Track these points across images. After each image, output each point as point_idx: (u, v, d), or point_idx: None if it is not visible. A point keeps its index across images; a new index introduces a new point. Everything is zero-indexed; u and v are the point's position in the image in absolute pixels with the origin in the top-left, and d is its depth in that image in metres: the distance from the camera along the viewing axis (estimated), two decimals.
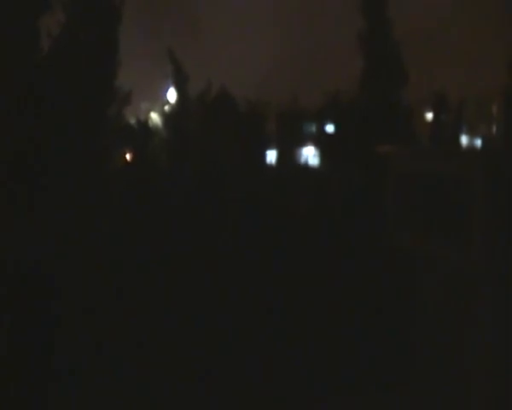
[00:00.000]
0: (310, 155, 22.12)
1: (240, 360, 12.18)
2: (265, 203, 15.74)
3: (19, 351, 11.67)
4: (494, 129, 23.40)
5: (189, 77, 21.57)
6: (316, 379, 11.99)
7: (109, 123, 16.27)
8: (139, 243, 13.60)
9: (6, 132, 12.90)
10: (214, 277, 13.30)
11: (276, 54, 27.15)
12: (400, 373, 11.63)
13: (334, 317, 12.84)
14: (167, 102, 22.72)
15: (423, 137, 20.78)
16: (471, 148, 21.82)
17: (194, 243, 14.01)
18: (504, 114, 20.58)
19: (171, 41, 22.16)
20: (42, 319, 11.98)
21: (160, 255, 13.45)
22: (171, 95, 22.35)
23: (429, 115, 21.92)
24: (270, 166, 21.38)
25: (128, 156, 19.89)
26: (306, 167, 21.18)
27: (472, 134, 23.05)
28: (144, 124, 21.53)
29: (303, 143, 22.17)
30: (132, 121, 20.87)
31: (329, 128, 21.24)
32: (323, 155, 21.05)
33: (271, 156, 21.95)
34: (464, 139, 22.57)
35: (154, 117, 22.94)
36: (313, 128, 22.07)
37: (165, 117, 22.32)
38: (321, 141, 21.20)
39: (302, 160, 22.02)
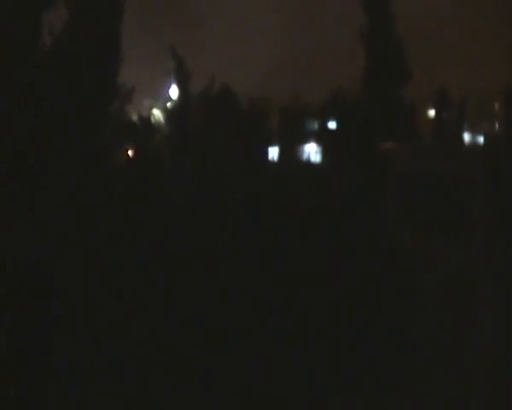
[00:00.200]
0: (312, 151, 22.12)
1: (240, 360, 12.17)
2: (265, 203, 15.73)
3: (19, 351, 11.67)
4: (496, 127, 23.39)
5: (192, 74, 21.58)
6: (316, 379, 11.97)
7: (111, 120, 16.27)
8: (139, 242, 13.60)
9: (6, 132, 12.89)
10: (214, 277, 13.30)
11: (277, 52, 27.14)
12: (400, 373, 11.60)
13: (334, 317, 12.83)
14: (169, 99, 22.73)
15: (425, 134, 20.77)
16: (472, 146, 21.77)
17: (194, 243, 14.00)
18: (506, 112, 20.56)
19: (172, 39, 22.17)
20: (42, 319, 11.98)
21: (160, 255, 13.45)
22: (174, 91, 22.36)
23: (431, 113, 21.91)
24: (271, 164, 21.38)
25: (130, 153, 19.92)
26: (308, 165, 21.17)
27: (474, 132, 23.04)
28: (146, 120, 21.56)
29: (305, 140, 22.18)
30: (134, 118, 20.90)
31: (331, 125, 21.24)
32: (325, 152, 21.05)
33: (273, 153, 21.96)
34: (466, 137, 22.57)
35: (157, 114, 22.96)
36: (315, 125, 22.07)
37: (168, 114, 22.34)
38: (322, 138, 21.20)
39: (304, 157, 22.01)
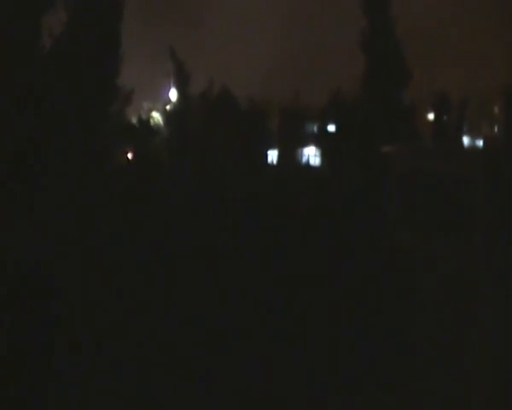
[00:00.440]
0: (311, 154, 22.11)
1: (240, 360, 12.17)
2: (265, 203, 15.73)
3: (19, 351, 11.67)
4: (495, 129, 23.39)
5: (191, 76, 21.56)
6: (316, 379, 11.97)
7: (111, 122, 16.26)
8: (139, 242, 13.60)
9: (6, 132, 12.89)
10: (214, 277, 13.30)
11: (278, 53, 27.13)
12: (400, 373, 11.60)
13: (334, 317, 12.83)
14: (169, 101, 22.71)
15: (425, 136, 20.76)
16: (472, 147, 21.79)
17: (194, 243, 14.00)
18: (505, 113, 20.56)
19: (172, 39, 22.12)
20: (42, 319, 11.98)
21: (160, 255, 13.45)
22: (173, 94, 22.34)
23: (431, 115, 21.90)
24: (270, 166, 21.36)
25: (129, 155, 19.91)
26: (307, 167, 21.16)
27: (473, 134, 23.04)
28: (146, 123, 21.54)
29: (304, 143, 22.16)
30: (134, 120, 20.89)
31: (331, 127, 21.22)
32: (325, 154, 21.04)
33: (273, 155, 21.95)
34: (466, 139, 22.56)
35: (156, 116, 22.95)
36: (315, 127, 22.07)
37: (167, 116, 22.32)
38: (322, 140, 21.18)
39: (303, 159, 22.01)
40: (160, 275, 13.08)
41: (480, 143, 22.86)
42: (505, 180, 10.55)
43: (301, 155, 22.13)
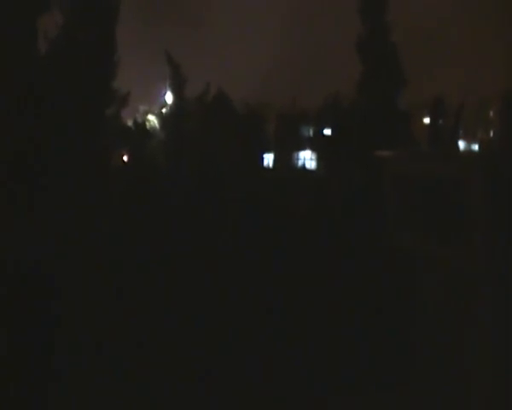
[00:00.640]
0: (307, 158, 22.17)
1: (240, 360, 12.16)
2: (264, 203, 15.75)
3: (19, 351, 11.64)
4: (491, 134, 23.49)
5: (188, 78, 21.62)
6: (316, 379, 11.97)
7: (108, 124, 16.30)
8: (139, 242, 13.60)
9: (6, 132, 12.89)
10: (214, 277, 13.30)
11: (276, 55, 27.21)
12: (400, 373, 11.61)
13: (334, 317, 12.84)
14: (165, 104, 22.76)
15: (421, 140, 20.86)
16: (469, 151, 21.88)
17: (193, 243, 14.01)
18: (502, 117, 20.64)
19: (170, 42, 22.19)
20: (42, 319, 11.96)
21: (160, 255, 13.45)
22: (169, 97, 22.40)
23: (427, 119, 22.02)
24: (267, 169, 21.41)
25: (125, 158, 19.94)
26: (303, 170, 21.22)
27: (469, 139, 23.14)
28: (142, 125, 21.59)
29: (301, 147, 22.23)
30: (130, 123, 20.93)
31: (327, 131, 21.30)
32: (321, 158, 21.10)
33: (269, 159, 22.00)
34: (462, 144, 22.65)
35: (152, 119, 23.00)
36: (311, 131, 22.15)
37: (163, 119, 22.37)
38: (319, 144, 21.25)
39: (299, 163, 22.07)
40: (160, 275, 13.09)
41: (477, 147, 22.96)
42: (503, 181, 10.59)
43: (298, 160, 22.19)
